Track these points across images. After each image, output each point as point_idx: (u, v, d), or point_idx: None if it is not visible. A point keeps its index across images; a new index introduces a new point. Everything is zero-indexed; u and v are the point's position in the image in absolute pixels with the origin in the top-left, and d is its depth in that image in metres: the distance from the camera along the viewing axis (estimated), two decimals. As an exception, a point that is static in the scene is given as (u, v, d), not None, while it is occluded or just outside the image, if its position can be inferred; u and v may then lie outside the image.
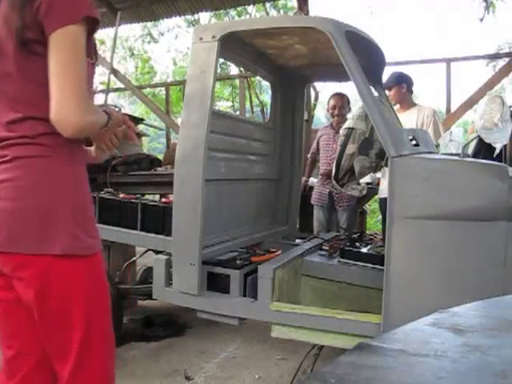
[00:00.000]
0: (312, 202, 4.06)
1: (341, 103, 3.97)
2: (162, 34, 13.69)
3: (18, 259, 1.09)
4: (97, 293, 1.21)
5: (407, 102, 3.71)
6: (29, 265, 1.10)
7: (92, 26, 1.11)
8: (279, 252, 2.59)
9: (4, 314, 1.23)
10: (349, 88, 3.65)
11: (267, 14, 10.01)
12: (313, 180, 4.39)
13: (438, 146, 3.37)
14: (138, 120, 4.45)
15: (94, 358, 1.18)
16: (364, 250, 2.53)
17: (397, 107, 3.74)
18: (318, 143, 4.18)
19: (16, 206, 1.08)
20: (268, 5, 10.12)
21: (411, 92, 3.76)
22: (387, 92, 3.63)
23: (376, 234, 3.59)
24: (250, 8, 10.08)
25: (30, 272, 1.10)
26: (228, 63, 10.18)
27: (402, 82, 3.67)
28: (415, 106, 3.73)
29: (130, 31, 13.64)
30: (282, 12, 10.45)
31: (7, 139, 1.10)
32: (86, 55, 1.10)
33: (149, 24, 12.04)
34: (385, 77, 3.11)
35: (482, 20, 6.90)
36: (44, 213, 1.09)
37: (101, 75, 10.24)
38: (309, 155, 4.25)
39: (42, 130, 1.10)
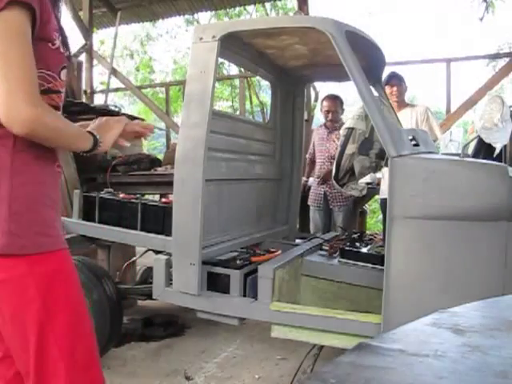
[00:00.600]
0: (308, 203, 4.07)
1: (334, 107, 3.97)
2: (161, 36, 13.71)
3: None
4: (53, 297, 1.08)
5: (404, 102, 3.78)
6: None
7: (32, 10, 1.01)
8: (279, 252, 2.58)
9: None
10: (349, 88, 3.65)
11: (267, 14, 10.01)
12: (312, 180, 4.40)
13: (435, 140, 3.40)
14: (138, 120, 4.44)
15: (53, 377, 1.06)
16: (364, 250, 2.52)
17: (393, 106, 3.79)
18: (313, 143, 4.19)
19: None
20: (268, 5, 10.12)
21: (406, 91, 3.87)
22: (388, 89, 3.67)
23: (376, 234, 3.59)
24: (251, 8, 10.08)
25: None
26: (227, 63, 10.18)
27: (403, 82, 3.75)
28: (408, 105, 3.80)
29: (130, 33, 13.64)
30: (281, 13, 10.44)
31: None
32: (31, 42, 1.01)
33: (147, 26, 12.06)
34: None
35: (481, 20, 6.91)
36: None
37: (101, 75, 10.24)
38: (308, 155, 4.26)
39: None
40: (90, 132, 1.17)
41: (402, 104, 3.77)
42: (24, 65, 0.98)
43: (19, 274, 1.04)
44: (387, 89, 3.65)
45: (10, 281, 1.04)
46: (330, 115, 3.98)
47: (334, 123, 3.98)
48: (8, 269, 1.04)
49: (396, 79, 3.74)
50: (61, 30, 1.14)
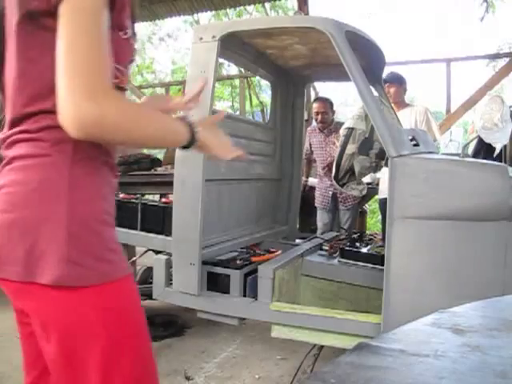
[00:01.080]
0: (316, 204, 4.09)
1: (323, 109, 3.98)
2: (163, 40, 13.74)
3: (13, 287, 0.88)
4: (117, 332, 0.90)
5: (403, 102, 3.78)
6: (21, 295, 0.89)
7: None
8: (279, 252, 2.58)
9: (25, 340, 1.06)
10: (349, 88, 3.66)
11: (267, 14, 10.01)
12: (312, 180, 4.40)
13: (435, 140, 3.40)
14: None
15: None
16: (364, 249, 2.53)
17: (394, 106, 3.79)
18: (310, 144, 4.18)
19: (4, 219, 0.86)
20: (267, 5, 10.12)
21: (405, 92, 3.86)
22: (386, 88, 3.67)
23: (376, 233, 3.59)
24: (250, 8, 10.08)
25: (24, 303, 0.91)
26: (226, 63, 10.18)
27: (403, 82, 3.74)
28: (408, 105, 3.79)
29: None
30: (280, 12, 10.44)
31: (10, 136, 0.89)
32: (106, 29, 0.83)
33: (149, 29, 12.06)
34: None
35: (482, 20, 6.91)
36: (31, 229, 0.85)
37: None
38: (303, 156, 4.27)
39: (46, 123, 0.86)
40: (187, 123, 0.97)
41: (401, 104, 3.76)
42: (94, 54, 0.80)
43: (79, 308, 0.88)
44: (386, 88, 3.66)
45: (68, 317, 0.87)
46: (319, 117, 4.00)
47: (324, 124, 4.00)
48: (66, 302, 0.87)
49: (393, 80, 3.72)
50: (132, 17, 0.96)
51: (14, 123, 0.88)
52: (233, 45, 2.42)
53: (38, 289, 0.85)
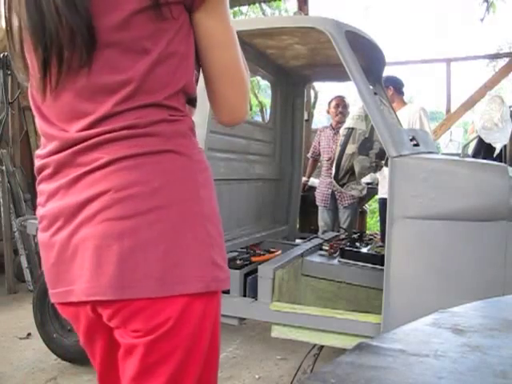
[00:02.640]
0: (317, 203, 4.10)
1: (343, 103, 4.03)
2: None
3: (137, 306, 0.73)
4: (214, 346, 0.84)
5: (397, 103, 3.75)
6: (153, 312, 0.73)
7: None
8: (279, 252, 2.59)
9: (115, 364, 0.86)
10: (349, 88, 3.66)
11: (263, 14, 10.00)
12: (313, 180, 4.41)
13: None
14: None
15: None
16: (364, 249, 2.53)
17: None
18: (319, 143, 4.21)
19: (125, 227, 0.71)
20: (265, 6, 10.10)
21: (401, 93, 3.81)
22: None
23: (376, 234, 3.60)
24: (245, 9, 10.06)
25: (154, 322, 0.74)
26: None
27: (388, 85, 3.69)
28: (405, 105, 3.77)
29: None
30: (277, 12, 10.43)
31: (98, 135, 0.72)
32: None
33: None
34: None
35: (482, 20, 6.91)
36: (172, 232, 0.73)
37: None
38: (309, 155, 4.27)
39: (157, 117, 0.75)
40: None
41: (397, 105, 3.74)
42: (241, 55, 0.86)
43: (212, 313, 0.80)
44: None
45: (201, 321, 0.78)
46: (340, 108, 4.02)
47: (341, 119, 4.01)
48: (205, 308, 0.78)
49: (387, 83, 3.69)
50: None
51: (100, 121, 0.73)
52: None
53: (178, 300, 0.73)
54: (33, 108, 0.82)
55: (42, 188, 0.79)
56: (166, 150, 0.75)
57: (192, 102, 0.85)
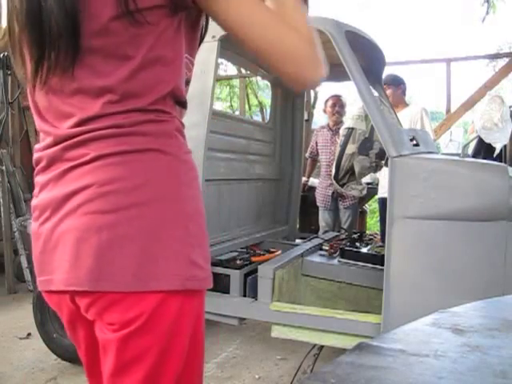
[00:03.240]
0: (317, 204, 4.11)
1: (340, 102, 4.03)
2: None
3: (111, 299, 0.75)
4: (196, 346, 0.83)
5: (402, 104, 3.76)
6: (126, 306, 0.75)
7: None
8: (279, 252, 2.59)
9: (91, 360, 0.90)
10: (349, 88, 3.67)
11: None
12: (313, 180, 4.41)
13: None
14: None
15: None
16: (364, 249, 2.53)
17: None
18: (316, 143, 4.21)
19: (105, 221, 0.73)
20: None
21: (405, 94, 3.85)
22: None
23: (376, 234, 3.60)
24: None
25: (127, 316, 0.75)
26: (224, 63, 10.17)
27: (398, 84, 3.72)
28: (407, 106, 3.79)
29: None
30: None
31: (85, 132, 0.75)
32: None
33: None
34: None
35: (483, 21, 6.91)
36: (151, 228, 0.74)
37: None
38: (307, 155, 4.27)
39: (143, 118, 0.77)
40: None
41: (400, 106, 3.75)
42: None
43: (190, 312, 0.81)
44: None
45: (176, 320, 0.78)
46: (336, 107, 4.02)
47: (337, 118, 4.01)
48: (181, 306, 0.78)
49: (388, 82, 3.69)
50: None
51: (86, 121, 0.75)
52: (233, 45, 2.42)
53: (151, 296, 0.74)
54: (31, 105, 0.84)
55: (37, 180, 0.83)
56: (151, 148, 0.76)
57: (182, 104, 0.85)
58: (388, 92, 3.68)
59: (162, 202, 0.76)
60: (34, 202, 0.83)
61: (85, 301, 0.77)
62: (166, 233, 0.75)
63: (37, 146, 0.84)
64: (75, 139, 0.75)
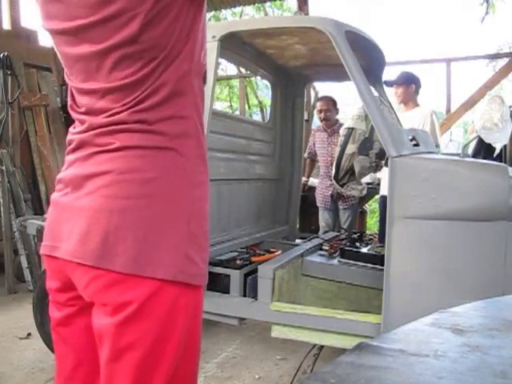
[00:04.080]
0: (317, 204, 4.10)
1: (326, 107, 3.99)
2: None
3: (110, 278, 0.79)
4: (192, 341, 0.87)
5: (412, 103, 3.73)
6: (125, 287, 0.79)
7: None
8: (279, 252, 2.59)
9: (63, 350, 0.94)
10: (349, 88, 3.66)
11: (266, 14, 10.00)
12: (313, 180, 4.41)
13: (438, 146, 3.37)
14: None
15: None
16: (364, 249, 2.53)
17: (401, 106, 3.76)
18: (314, 144, 4.20)
19: (116, 206, 0.79)
20: (267, 5, 10.10)
21: (418, 93, 3.78)
22: (394, 89, 3.66)
23: (376, 233, 3.59)
24: (249, 9, 10.06)
25: (122, 298, 0.79)
26: (223, 63, 10.17)
27: (412, 83, 3.68)
28: (418, 106, 3.74)
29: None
30: (281, 12, 10.43)
31: (115, 124, 0.82)
32: None
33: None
34: (386, 76, 3.12)
35: (482, 21, 6.91)
36: (146, 220, 0.80)
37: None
38: (306, 155, 4.26)
39: (162, 115, 0.82)
40: None
41: (411, 105, 3.72)
42: None
43: (183, 304, 0.83)
44: (394, 89, 3.64)
45: (169, 311, 0.81)
46: (322, 115, 4.01)
47: (327, 122, 4.01)
48: (174, 297, 0.81)
49: (400, 80, 3.69)
50: None
51: (117, 114, 0.82)
52: (233, 45, 2.42)
53: (148, 282, 0.79)
54: (69, 98, 0.92)
55: (67, 158, 0.90)
56: (168, 147, 0.82)
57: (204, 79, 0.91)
58: (400, 90, 3.67)
59: (170, 198, 0.82)
60: (60, 175, 0.90)
61: (86, 277, 0.82)
62: (168, 225, 0.81)
63: (71, 130, 0.91)
64: (106, 128, 0.82)
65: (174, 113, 0.83)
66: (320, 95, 4.23)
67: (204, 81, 0.91)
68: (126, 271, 0.78)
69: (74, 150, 0.88)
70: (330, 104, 4.02)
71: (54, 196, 0.90)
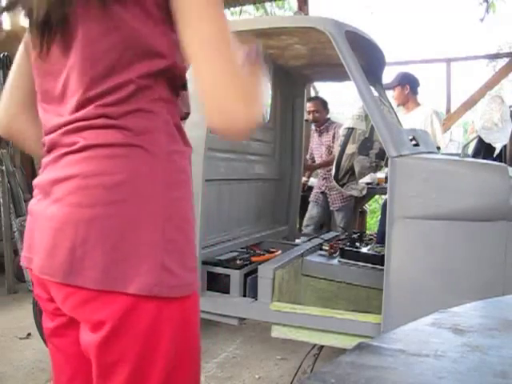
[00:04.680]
0: (309, 199, 4.11)
1: (313, 108, 4.00)
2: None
3: (82, 295, 0.74)
4: (184, 353, 0.81)
5: (411, 103, 3.69)
6: (98, 304, 0.74)
7: None
8: (279, 252, 2.59)
9: (59, 360, 0.91)
10: (349, 88, 3.66)
11: (267, 14, 10.01)
12: (313, 180, 4.42)
13: (439, 148, 3.36)
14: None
15: None
16: (364, 249, 2.53)
17: (401, 109, 3.75)
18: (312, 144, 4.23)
19: (83, 215, 0.72)
20: (268, 5, 10.10)
21: (416, 93, 3.73)
22: (392, 92, 3.65)
23: (376, 234, 3.59)
24: (249, 8, 10.07)
25: (97, 316, 0.74)
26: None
27: (405, 83, 3.64)
28: (419, 106, 3.71)
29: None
30: (283, 12, 10.43)
31: (79, 120, 0.75)
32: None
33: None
34: (386, 76, 3.12)
35: (482, 21, 6.90)
36: (117, 229, 0.72)
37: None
38: (308, 156, 4.27)
39: (127, 108, 0.75)
40: None
41: (411, 106, 3.69)
42: (229, 44, 0.75)
43: (163, 320, 0.76)
44: (392, 91, 3.64)
45: (150, 328, 0.75)
46: (310, 116, 4.02)
47: (317, 123, 4.03)
48: (151, 313, 0.75)
49: (395, 81, 3.66)
50: None
51: (79, 108, 0.76)
52: (233, 45, 2.42)
53: (120, 298, 0.72)
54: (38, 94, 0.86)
55: (42, 161, 0.85)
56: (133, 144, 0.74)
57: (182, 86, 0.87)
58: (395, 92, 3.65)
59: (140, 202, 0.73)
60: (35, 181, 0.84)
61: (60, 294, 0.78)
62: (139, 234, 0.73)
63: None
64: (71, 126, 0.76)
65: (140, 107, 0.75)
66: (309, 97, 4.23)
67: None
68: (95, 287, 0.72)
69: (47, 152, 0.82)
70: (319, 105, 4.03)
71: (30, 203, 0.85)
